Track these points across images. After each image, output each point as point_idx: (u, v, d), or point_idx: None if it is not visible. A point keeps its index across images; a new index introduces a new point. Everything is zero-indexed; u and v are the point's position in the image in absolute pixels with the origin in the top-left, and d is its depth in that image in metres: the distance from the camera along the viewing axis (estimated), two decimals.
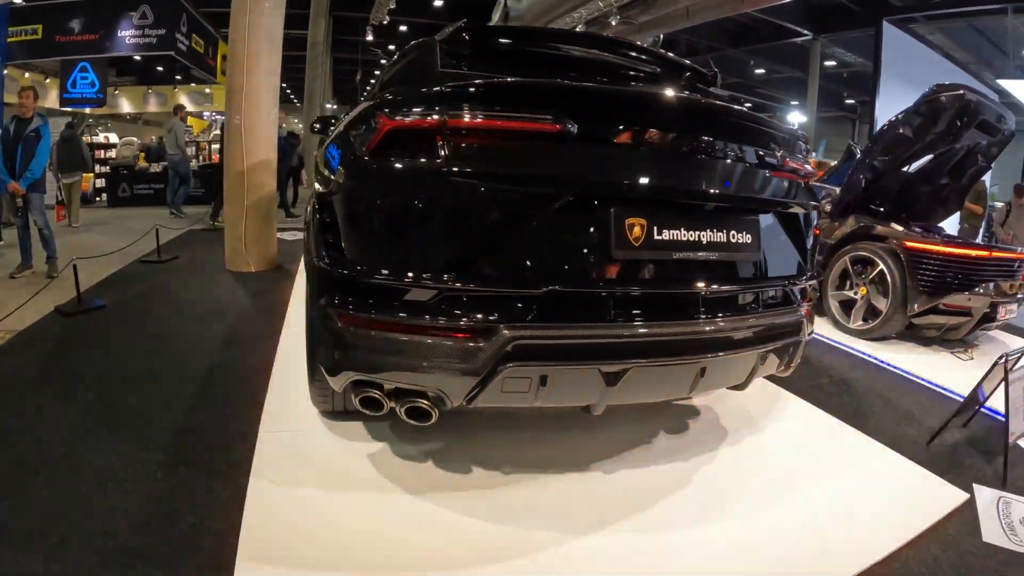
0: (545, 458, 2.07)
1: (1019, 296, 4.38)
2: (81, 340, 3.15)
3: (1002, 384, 2.38)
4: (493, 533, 1.66)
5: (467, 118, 1.47)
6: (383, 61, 25.79)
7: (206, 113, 26.23)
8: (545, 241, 1.51)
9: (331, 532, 1.61)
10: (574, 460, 2.07)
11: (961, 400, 2.80)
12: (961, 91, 4.36)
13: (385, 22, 15.58)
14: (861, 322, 4.41)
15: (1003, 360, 2.42)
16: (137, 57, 21.22)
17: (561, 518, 1.75)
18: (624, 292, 1.57)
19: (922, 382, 3.53)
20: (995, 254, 4.22)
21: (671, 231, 1.60)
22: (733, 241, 1.72)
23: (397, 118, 1.52)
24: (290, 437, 2.13)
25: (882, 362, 3.86)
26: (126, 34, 10.06)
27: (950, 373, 3.71)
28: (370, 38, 18.31)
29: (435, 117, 1.47)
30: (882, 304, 4.26)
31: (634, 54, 2.48)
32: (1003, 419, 2.45)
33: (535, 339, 1.47)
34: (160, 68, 24.68)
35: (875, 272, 4.30)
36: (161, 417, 2.26)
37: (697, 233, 1.64)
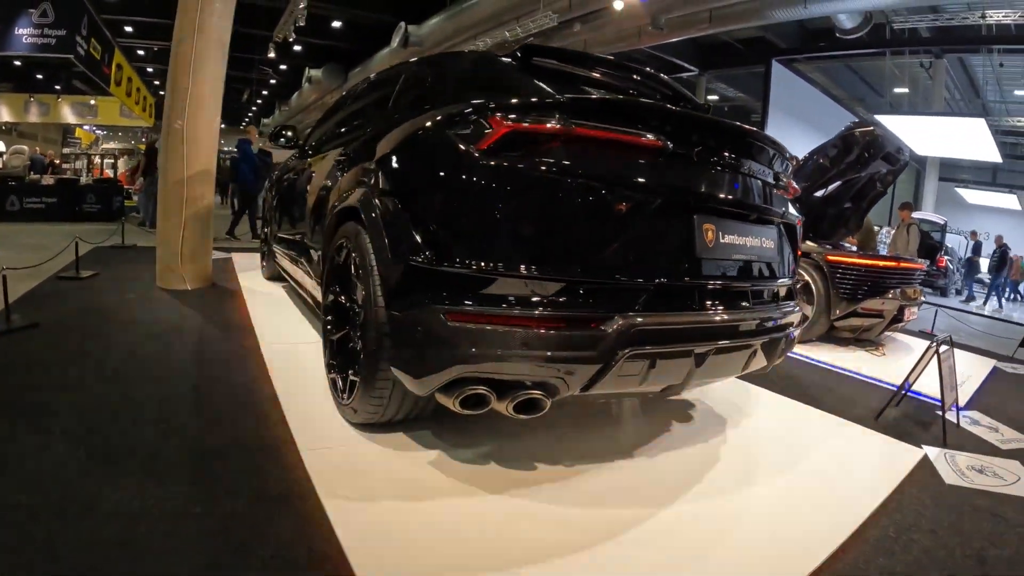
0: (589, 450, 2.18)
1: (919, 300, 5.02)
2: (23, 363, 2.68)
3: (929, 367, 2.90)
4: (582, 515, 1.71)
5: (588, 127, 1.61)
6: (272, 80, 25.25)
7: (86, 126, 24.33)
8: (647, 240, 1.68)
9: (434, 536, 1.53)
10: (608, 451, 2.19)
11: (894, 387, 3.24)
12: (872, 128, 5.06)
13: (292, 38, 15.19)
14: None
15: (934, 344, 2.90)
16: (17, 62, 19.50)
17: (631, 497, 1.87)
18: (703, 286, 1.80)
19: (852, 374, 4.02)
20: (901, 264, 4.82)
21: (729, 236, 1.87)
22: (764, 246, 2.04)
23: (517, 121, 1.61)
24: (336, 453, 1.95)
25: (814, 360, 4.30)
26: (23, 32, 9.15)
27: (871, 366, 4.29)
28: (272, 55, 17.80)
29: (556, 124, 1.60)
30: (808, 311, 4.70)
31: (653, 83, 2.63)
32: (925, 399, 3.24)
33: (649, 326, 1.62)
34: (40, 76, 22.68)
35: (800, 284, 4.76)
36: (166, 445, 1.93)
37: (744, 239, 1.94)
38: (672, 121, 1.81)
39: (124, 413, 2.16)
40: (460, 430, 2.19)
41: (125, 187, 12.56)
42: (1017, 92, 16.04)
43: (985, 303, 15.05)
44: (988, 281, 15.81)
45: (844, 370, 4.09)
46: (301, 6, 13.01)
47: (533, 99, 1.73)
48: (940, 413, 2.85)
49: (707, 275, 1.82)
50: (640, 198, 1.66)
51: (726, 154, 1.88)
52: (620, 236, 1.63)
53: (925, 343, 3.06)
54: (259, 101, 31.27)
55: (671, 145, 1.72)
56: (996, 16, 11.92)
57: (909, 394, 3.21)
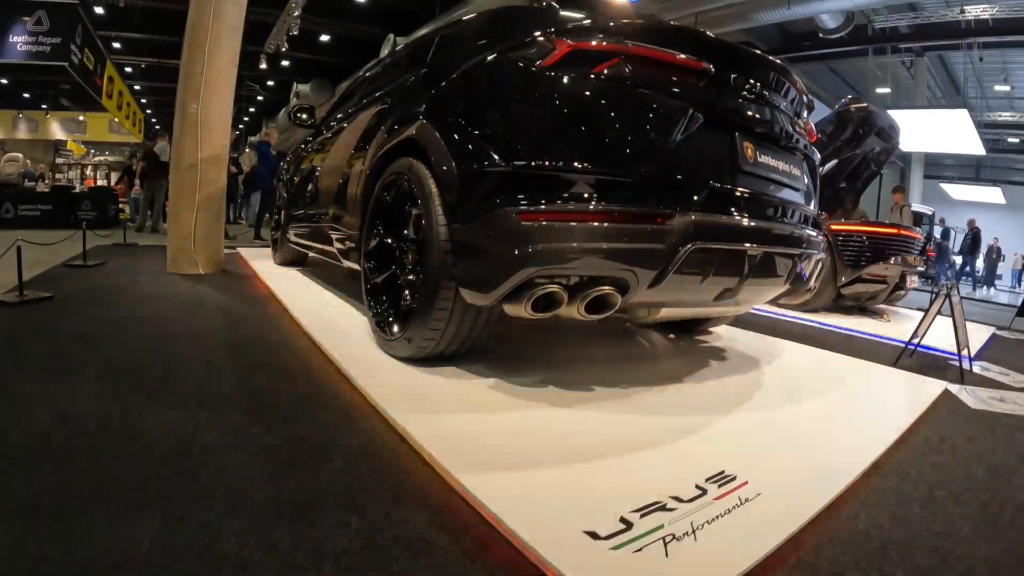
0: (640, 378, 2.26)
1: (918, 268, 5.16)
2: (48, 327, 2.65)
3: (937, 320, 3.12)
4: (643, 422, 1.78)
5: (640, 47, 1.77)
6: (260, 97, 25.23)
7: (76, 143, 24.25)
8: (697, 149, 1.81)
9: (508, 438, 1.56)
10: (658, 378, 2.29)
11: (904, 343, 3.32)
12: (865, 104, 5.22)
13: (284, 48, 15.26)
14: None
15: (944, 288, 3.10)
16: (4, 80, 19.39)
17: (687, 410, 1.96)
18: (748, 195, 1.92)
19: (863, 334, 4.15)
20: (901, 232, 4.94)
21: (764, 156, 2.02)
22: (793, 172, 2.19)
23: (578, 40, 1.78)
24: (393, 382, 1.93)
25: (825, 324, 4.40)
26: (18, 39, 9.19)
27: (879, 329, 4.42)
28: (264, 66, 17.80)
29: (612, 42, 1.77)
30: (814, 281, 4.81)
31: None
32: (935, 351, 3.42)
33: (707, 223, 1.75)
34: (27, 95, 22.57)
35: None
36: (213, 383, 1.90)
37: (777, 162, 2.08)
38: (713, 48, 1.95)
39: (159, 363, 2.09)
40: (511, 364, 2.23)
41: (120, 196, 12.51)
42: (997, 87, 16.46)
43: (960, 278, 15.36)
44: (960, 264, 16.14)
45: (855, 331, 4.21)
46: (295, 14, 13.10)
47: (599, 23, 1.88)
48: (955, 362, 2.99)
49: (750, 187, 1.95)
50: (687, 111, 1.78)
51: (759, 84, 2.02)
52: (673, 142, 1.75)
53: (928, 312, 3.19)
54: (246, 119, 31.31)
55: (712, 68, 1.87)
56: (974, 11, 12.27)
57: (920, 348, 3.31)
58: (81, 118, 20.02)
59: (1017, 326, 5.70)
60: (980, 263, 17.21)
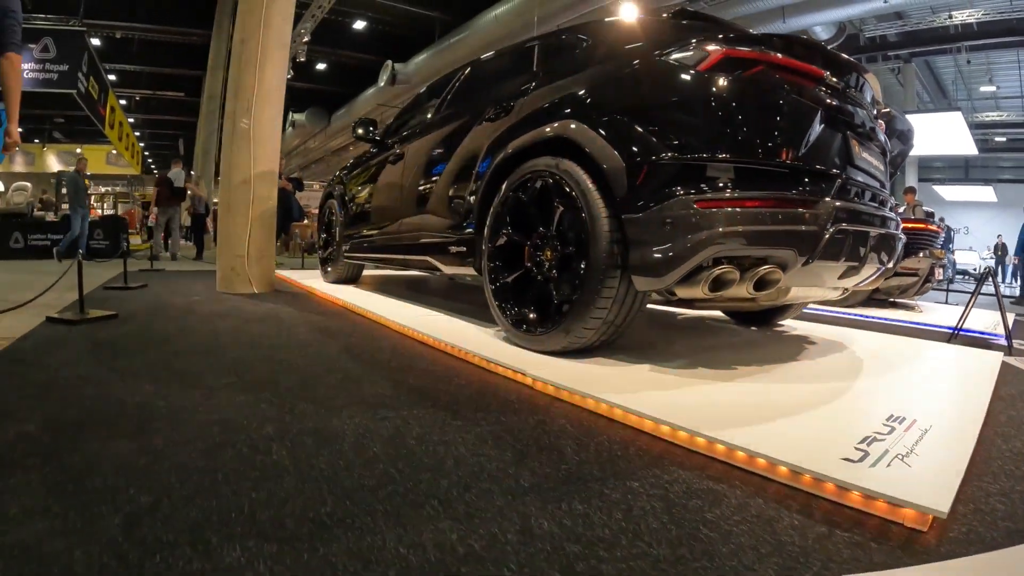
0: (766, 358, 2.38)
1: (943, 261, 5.36)
2: (128, 341, 2.57)
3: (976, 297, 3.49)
4: (805, 389, 1.95)
5: (778, 56, 2.00)
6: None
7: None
8: (826, 144, 2.04)
9: (717, 409, 1.64)
10: (777, 360, 2.38)
11: (946, 328, 3.62)
12: (888, 108, 5.40)
13: (290, 75, 15.41)
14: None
15: (985, 270, 3.48)
16: None
17: (808, 378, 2.10)
18: (861, 186, 2.15)
19: (905, 323, 4.31)
20: (929, 227, 5.11)
21: (865, 152, 2.23)
22: (880, 167, 2.41)
23: (730, 47, 1.98)
24: (569, 374, 1.95)
25: (869, 317, 4.53)
26: (26, 67, 9.17)
27: (917, 319, 4.64)
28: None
29: (757, 51, 1.98)
30: None
31: None
32: (977, 334, 3.70)
33: (846, 208, 1.95)
34: (21, 129, 22.50)
35: None
36: (374, 389, 1.84)
37: (871, 157, 2.30)
38: (825, 57, 2.19)
39: (285, 373, 2.01)
40: (645, 354, 2.32)
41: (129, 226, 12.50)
42: (983, 88, 16.95)
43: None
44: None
45: (896, 321, 4.37)
46: (305, 40, 13.28)
47: (734, 35, 2.09)
48: (995, 341, 3.29)
49: (861, 178, 2.18)
50: (817, 111, 2.00)
51: (855, 87, 2.27)
52: (810, 138, 1.97)
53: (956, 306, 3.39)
54: None
55: (828, 75, 2.09)
56: (960, 16, 12.70)
57: (962, 332, 3.52)
58: (79, 150, 20.01)
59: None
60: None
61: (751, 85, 1.93)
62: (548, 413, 1.63)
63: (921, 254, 5.02)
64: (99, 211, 17.61)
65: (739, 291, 1.89)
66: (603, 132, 2.07)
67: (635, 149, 1.97)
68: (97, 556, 0.85)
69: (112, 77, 19.14)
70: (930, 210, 16.53)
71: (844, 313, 4.65)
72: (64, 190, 9.27)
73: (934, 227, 5.29)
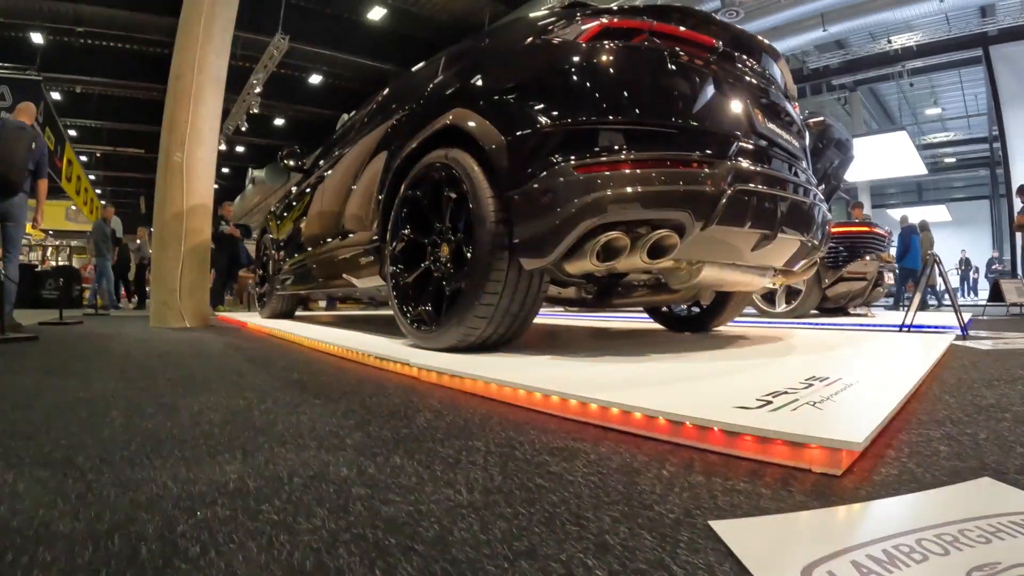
0: (685, 348, 2.35)
1: (893, 265, 5.41)
2: (42, 357, 2.23)
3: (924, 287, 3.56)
4: (725, 364, 1.89)
5: (663, 24, 2.01)
6: (216, 186, 25.14)
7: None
8: (723, 111, 2.01)
9: (614, 376, 1.62)
10: (698, 347, 2.23)
11: (897, 326, 3.58)
12: (823, 118, 5.53)
13: (244, 128, 15.27)
14: (785, 305, 5.06)
15: (931, 257, 3.49)
16: None
17: (719, 361, 1.92)
18: (768, 152, 2.09)
19: (858, 327, 4.19)
20: (873, 230, 5.18)
21: (771, 124, 2.18)
22: (795, 143, 2.34)
23: (610, 20, 1.99)
24: (456, 362, 1.84)
25: (819, 324, 4.47)
26: None
27: (869, 322, 4.59)
28: (223, 147, 17.78)
29: (637, 20, 2.00)
30: (801, 285, 4.94)
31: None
32: (926, 329, 3.60)
33: (744, 169, 1.90)
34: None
35: None
36: (261, 381, 1.85)
37: (781, 130, 2.24)
38: (720, 28, 2.19)
39: (185, 369, 2.09)
40: (553, 351, 2.24)
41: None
42: (928, 111, 17.67)
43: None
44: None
45: (848, 324, 4.30)
46: (256, 91, 13.32)
47: (615, 5, 2.10)
48: (947, 334, 3.18)
49: (767, 146, 2.12)
50: (706, 76, 1.99)
51: (758, 61, 2.26)
52: (699, 101, 1.95)
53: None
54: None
55: (720, 45, 2.11)
56: (899, 40, 13.32)
57: (913, 328, 3.52)
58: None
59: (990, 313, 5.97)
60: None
61: (634, 52, 1.94)
62: (423, 396, 1.55)
63: (868, 257, 5.06)
64: (52, 262, 17.26)
65: (633, 260, 1.78)
66: (485, 113, 2.04)
67: (514, 123, 1.92)
68: None
69: (72, 132, 18.98)
70: (883, 231, 17.10)
71: (790, 323, 4.64)
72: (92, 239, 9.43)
73: (880, 231, 5.36)
